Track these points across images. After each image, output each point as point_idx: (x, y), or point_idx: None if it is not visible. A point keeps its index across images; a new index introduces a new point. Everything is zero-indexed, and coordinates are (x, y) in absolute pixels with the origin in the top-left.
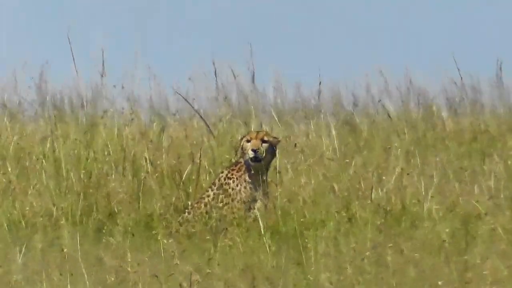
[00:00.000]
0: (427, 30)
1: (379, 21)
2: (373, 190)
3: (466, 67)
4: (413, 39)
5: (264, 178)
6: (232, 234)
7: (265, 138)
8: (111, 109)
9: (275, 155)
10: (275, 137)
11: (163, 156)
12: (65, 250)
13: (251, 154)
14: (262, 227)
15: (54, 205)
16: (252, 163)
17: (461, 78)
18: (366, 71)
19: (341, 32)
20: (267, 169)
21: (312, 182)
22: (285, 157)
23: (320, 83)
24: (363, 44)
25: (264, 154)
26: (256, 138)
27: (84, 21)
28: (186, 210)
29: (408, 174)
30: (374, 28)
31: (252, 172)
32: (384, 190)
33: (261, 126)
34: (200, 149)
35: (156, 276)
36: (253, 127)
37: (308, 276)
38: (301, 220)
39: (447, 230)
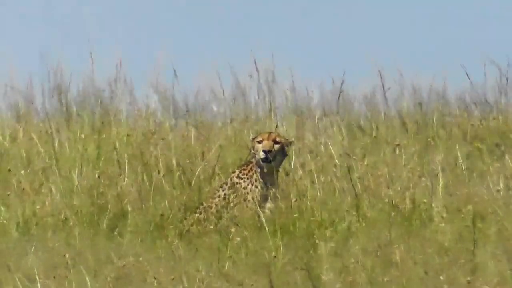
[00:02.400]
0: (437, 28)
1: (391, 19)
2: (383, 189)
3: (475, 65)
4: (423, 37)
5: (275, 178)
6: (243, 234)
7: (277, 139)
8: (123, 109)
9: (286, 156)
10: (286, 139)
11: (175, 156)
12: (75, 249)
13: (262, 155)
14: (271, 226)
15: (65, 204)
16: (263, 164)
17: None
18: (377, 69)
19: (354, 29)
20: (278, 170)
21: (322, 181)
22: (295, 157)
23: (342, 83)
24: (373, 42)
25: (275, 155)
26: (267, 139)
27: (98, 22)
28: (198, 210)
29: (418, 173)
30: (386, 26)
31: (264, 172)
32: (394, 189)
33: (274, 126)
34: (220, 148)
35: (170, 277)
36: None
37: (318, 275)
38: (311, 219)
39: (455, 230)
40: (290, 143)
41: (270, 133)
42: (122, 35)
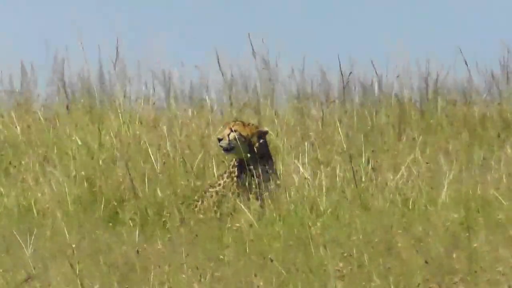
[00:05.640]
0: (446, 16)
1: (403, 4)
2: (387, 178)
3: (479, 54)
4: (432, 24)
5: (253, 167)
6: (242, 222)
7: (234, 128)
8: (122, 97)
9: (259, 145)
10: (257, 128)
11: (174, 144)
12: (75, 238)
13: (218, 142)
14: (271, 215)
15: (64, 193)
16: (223, 152)
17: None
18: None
19: (364, 15)
20: (256, 159)
21: (324, 170)
22: (298, 145)
23: (350, 73)
24: (379, 28)
25: (229, 143)
26: (224, 127)
27: (94, 11)
28: (200, 199)
29: (421, 162)
30: (396, 13)
31: (236, 160)
32: (398, 177)
33: (274, 113)
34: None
35: (170, 266)
36: (241, 116)
37: (317, 263)
38: (313, 207)
39: (458, 218)
40: (259, 133)
41: (231, 122)
42: (119, 21)
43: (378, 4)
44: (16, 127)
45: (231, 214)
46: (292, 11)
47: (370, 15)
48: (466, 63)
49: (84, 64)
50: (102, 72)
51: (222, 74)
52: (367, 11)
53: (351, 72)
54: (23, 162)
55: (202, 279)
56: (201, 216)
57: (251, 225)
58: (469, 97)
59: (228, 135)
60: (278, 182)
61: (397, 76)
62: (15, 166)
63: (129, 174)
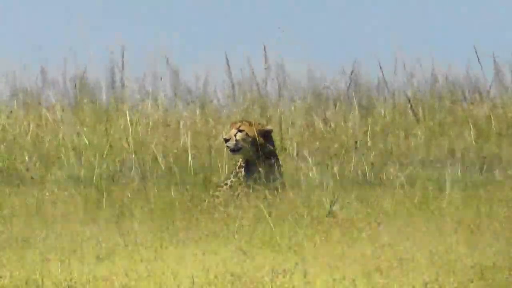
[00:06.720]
0: (451, 14)
1: (407, 5)
2: (394, 178)
3: (485, 51)
4: (437, 22)
5: (259, 166)
6: (249, 221)
7: (240, 128)
8: (129, 97)
9: (264, 144)
10: (263, 127)
11: (181, 144)
12: (85, 236)
13: (224, 143)
14: (278, 214)
15: (73, 192)
16: (230, 153)
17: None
18: (386, 54)
19: (368, 14)
20: (262, 158)
21: (330, 168)
22: (304, 144)
23: (352, 71)
24: (384, 28)
25: (236, 144)
26: (231, 127)
27: (101, 13)
28: (207, 198)
29: (428, 159)
30: (400, 12)
31: (243, 160)
32: (405, 175)
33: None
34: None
35: (178, 264)
36: (247, 115)
37: (325, 262)
38: (319, 206)
39: (466, 215)
40: (265, 132)
41: (239, 122)
42: (127, 21)
43: (382, 2)
44: (23, 126)
45: (238, 212)
46: (293, 11)
47: (373, 14)
48: (473, 61)
49: (92, 64)
50: (110, 72)
51: (229, 74)
52: (370, 10)
53: (352, 71)
54: (30, 162)
55: (210, 277)
56: (209, 214)
57: (257, 224)
58: (475, 95)
59: (235, 135)
60: (284, 180)
61: (406, 79)
62: (21, 163)
63: (138, 173)
